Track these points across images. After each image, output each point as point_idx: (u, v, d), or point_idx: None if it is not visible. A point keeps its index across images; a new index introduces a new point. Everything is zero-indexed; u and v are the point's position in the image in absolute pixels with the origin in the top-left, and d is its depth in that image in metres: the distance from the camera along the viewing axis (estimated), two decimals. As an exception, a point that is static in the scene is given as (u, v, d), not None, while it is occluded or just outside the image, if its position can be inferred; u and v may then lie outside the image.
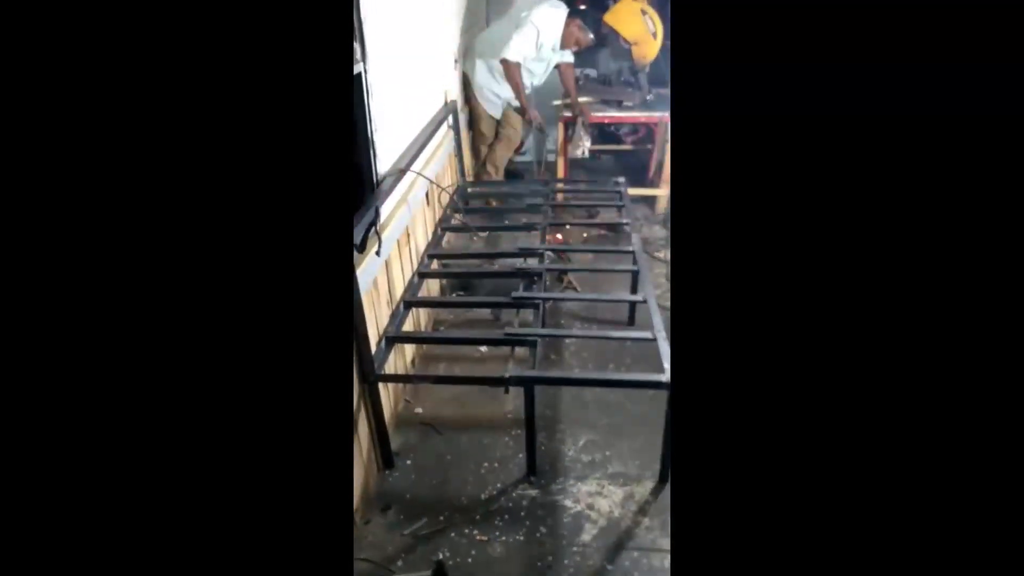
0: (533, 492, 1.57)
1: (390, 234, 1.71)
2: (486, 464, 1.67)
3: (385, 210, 1.67)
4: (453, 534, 1.46)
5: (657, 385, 1.47)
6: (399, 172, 1.77)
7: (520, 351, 1.97)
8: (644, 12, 2.96)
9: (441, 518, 1.50)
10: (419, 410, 1.86)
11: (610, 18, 3.14)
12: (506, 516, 1.50)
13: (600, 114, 3.13)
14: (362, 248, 1.49)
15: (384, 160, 1.70)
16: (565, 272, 2.43)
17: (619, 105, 3.20)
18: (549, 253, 2.16)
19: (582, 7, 3.83)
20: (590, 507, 1.52)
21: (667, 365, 1.50)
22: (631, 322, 2.19)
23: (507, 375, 1.51)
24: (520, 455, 1.65)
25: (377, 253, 1.56)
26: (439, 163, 2.37)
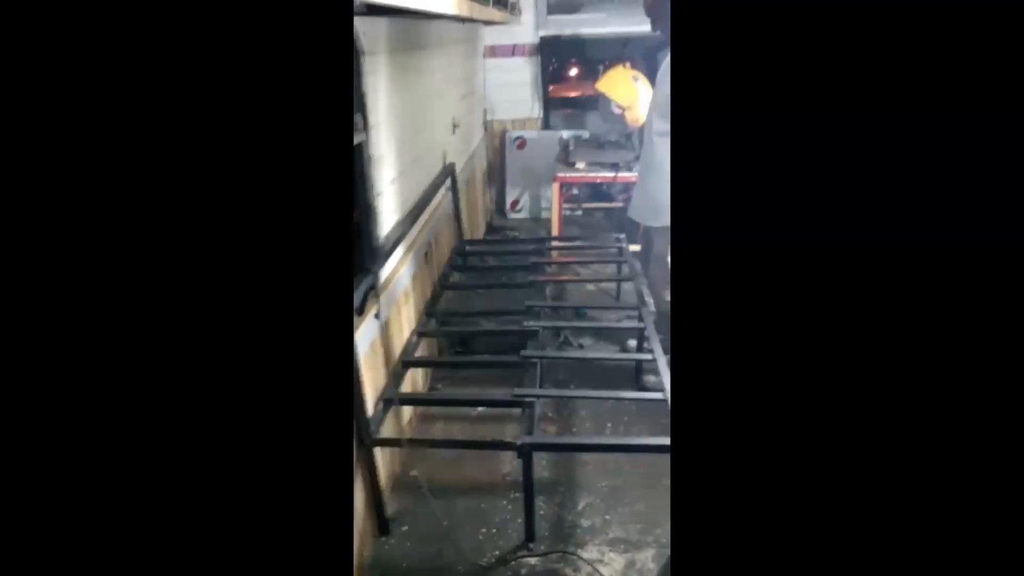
0: (532, 560, 1.53)
1: (389, 295, 1.74)
2: (484, 530, 1.63)
3: (385, 271, 1.70)
4: (450, 607, 1.41)
5: (663, 449, 1.45)
6: (399, 235, 1.81)
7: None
8: (636, 79, 3.10)
9: (437, 589, 1.45)
10: (415, 473, 1.83)
11: (603, 85, 3.28)
12: (504, 587, 1.46)
13: (593, 174, 3.23)
14: (361, 311, 1.51)
15: (385, 222, 1.75)
16: (562, 330, 2.45)
17: (613, 167, 3.30)
18: (547, 310, 2.18)
19: (573, 72, 4.03)
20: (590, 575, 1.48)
21: None
22: (637, 380, 2.19)
23: (519, 442, 1.47)
24: (519, 520, 1.61)
25: (376, 316, 1.58)
26: (438, 223, 2.43)
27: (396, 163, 1.87)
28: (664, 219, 2.00)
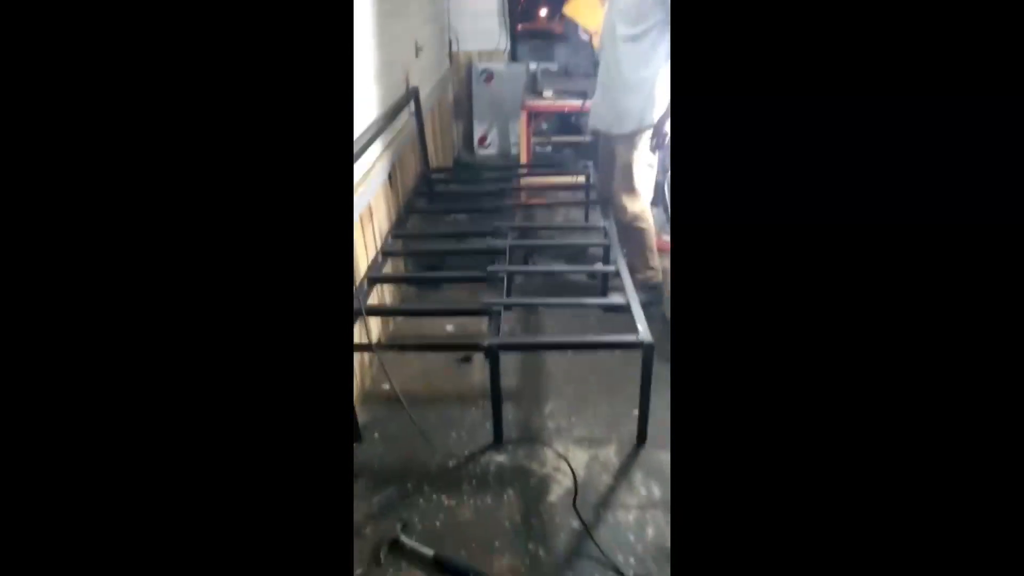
0: (500, 458, 1.60)
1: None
2: (453, 434, 1.68)
3: (347, 184, 1.68)
4: (421, 500, 1.47)
5: (635, 345, 1.51)
6: (359, 148, 1.78)
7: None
8: (603, 3, 3.03)
9: (409, 485, 1.51)
10: (386, 386, 1.87)
11: (569, 9, 3.21)
12: (474, 481, 1.52)
13: (562, 103, 3.19)
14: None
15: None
16: (532, 251, 2.47)
17: (581, 95, 3.26)
18: (514, 232, 2.19)
19: (542, 12, 3.89)
20: (556, 469, 1.55)
21: (641, 327, 1.55)
22: (603, 295, 2.24)
23: (486, 343, 1.52)
24: (487, 424, 1.67)
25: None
26: (402, 147, 2.39)
27: (353, 74, 1.82)
28: (628, 126, 2.01)
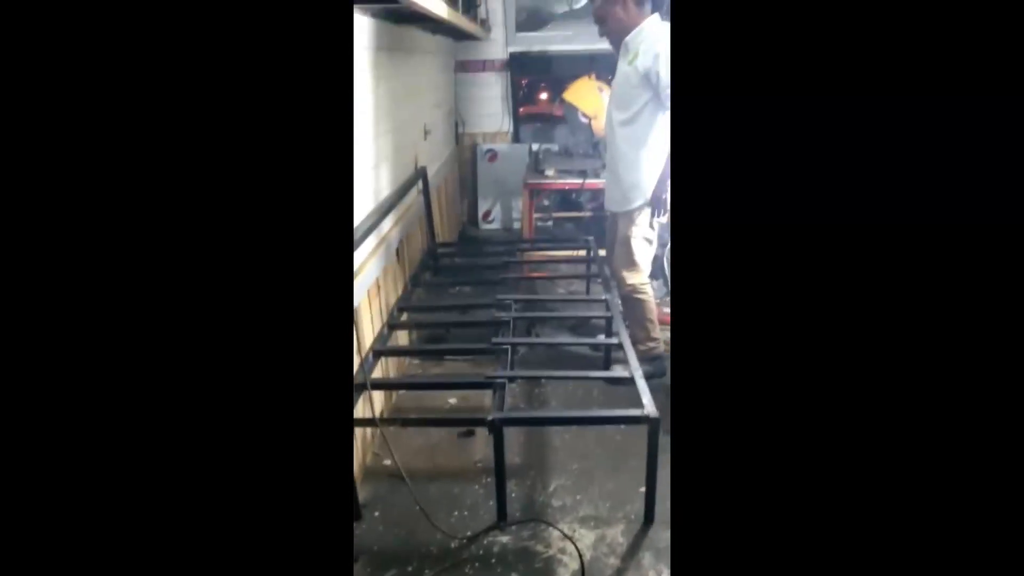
0: (504, 538, 1.54)
1: (361, 282, 1.76)
2: (456, 513, 1.63)
3: (357, 259, 1.73)
4: (422, 584, 1.41)
5: (640, 420, 1.50)
6: (369, 225, 1.84)
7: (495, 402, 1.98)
8: (601, 89, 3.22)
9: (410, 568, 1.45)
10: (387, 462, 1.83)
11: (570, 96, 3.41)
12: (477, 564, 1.47)
13: (563, 181, 3.31)
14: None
15: (357, 214, 1.78)
16: (535, 323, 2.49)
17: (581, 174, 3.40)
18: (516, 304, 2.22)
19: (543, 96, 4.12)
20: (562, 551, 1.50)
21: (646, 401, 1.54)
22: (607, 368, 2.23)
23: (490, 417, 1.50)
24: (491, 502, 1.63)
25: (348, 298, 1.60)
26: (410, 224, 2.47)
27: (365, 155, 1.92)
28: (637, 202, 2.09)
